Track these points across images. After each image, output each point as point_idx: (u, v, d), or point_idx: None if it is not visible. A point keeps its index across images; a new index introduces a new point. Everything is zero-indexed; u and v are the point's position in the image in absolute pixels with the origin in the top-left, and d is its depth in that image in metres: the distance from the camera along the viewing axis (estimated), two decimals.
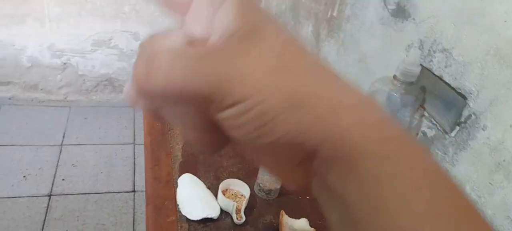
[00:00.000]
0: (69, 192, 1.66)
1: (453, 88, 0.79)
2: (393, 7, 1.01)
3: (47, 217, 1.53)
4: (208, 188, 0.71)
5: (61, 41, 2.05)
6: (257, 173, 0.73)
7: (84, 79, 2.19)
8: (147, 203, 0.69)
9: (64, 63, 2.12)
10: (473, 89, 0.74)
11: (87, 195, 1.67)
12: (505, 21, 0.66)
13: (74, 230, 1.50)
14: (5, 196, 1.58)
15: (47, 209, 1.56)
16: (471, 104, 0.74)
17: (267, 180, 0.71)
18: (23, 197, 1.60)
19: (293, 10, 1.76)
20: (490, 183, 0.69)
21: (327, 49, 1.41)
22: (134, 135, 2.07)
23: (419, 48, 0.89)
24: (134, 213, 1.62)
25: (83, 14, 1.99)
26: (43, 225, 1.50)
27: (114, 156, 1.90)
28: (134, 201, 1.67)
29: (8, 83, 2.10)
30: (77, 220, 1.55)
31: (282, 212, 0.66)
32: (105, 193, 1.70)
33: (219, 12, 0.21)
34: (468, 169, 0.75)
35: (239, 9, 0.21)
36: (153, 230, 0.64)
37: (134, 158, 1.91)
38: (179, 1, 0.22)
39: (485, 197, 0.70)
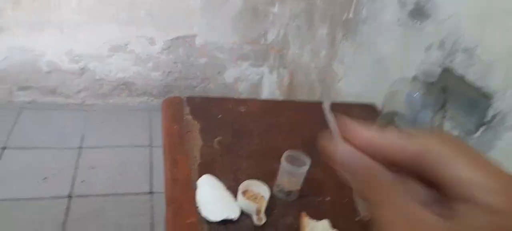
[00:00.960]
0: (88, 193, 1.69)
1: (476, 88, 0.77)
2: (411, 7, 1.00)
3: (67, 218, 1.55)
4: (228, 189, 0.71)
5: (79, 47, 2.09)
6: (276, 175, 0.72)
7: (101, 84, 2.23)
8: (167, 204, 0.69)
9: (82, 68, 2.16)
10: (499, 88, 0.72)
11: (105, 196, 1.69)
12: None
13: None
14: (27, 198, 1.61)
15: (67, 210, 1.59)
16: (496, 104, 0.72)
17: (286, 181, 0.71)
18: (44, 198, 1.63)
19: (307, 13, 1.75)
20: None
21: (342, 51, 1.40)
22: (151, 138, 2.09)
23: (440, 48, 0.88)
24: (152, 214, 1.63)
25: (100, 20, 2.02)
26: (64, 226, 1.52)
27: (131, 158, 1.92)
28: (151, 202, 1.69)
29: (28, 88, 2.15)
30: (96, 221, 1.57)
31: (303, 213, 0.65)
32: (123, 194, 1.71)
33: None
34: None
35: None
36: (173, 230, 0.64)
37: (151, 160, 1.93)
38: None
39: None
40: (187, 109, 0.92)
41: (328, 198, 0.75)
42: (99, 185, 1.73)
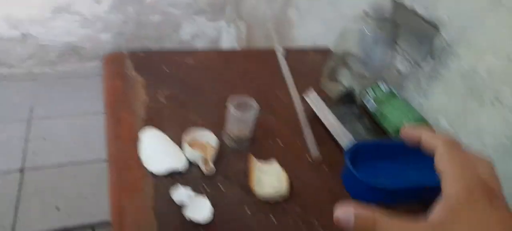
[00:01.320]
0: (42, 165, 1.61)
1: (425, 20, 0.76)
2: None
3: (21, 192, 1.48)
4: (174, 142, 0.67)
5: (18, 11, 1.92)
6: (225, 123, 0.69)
7: (47, 50, 2.08)
8: (110, 162, 0.65)
9: (24, 34, 1.99)
10: (446, 18, 0.71)
11: (62, 167, 1.62)
12: None
13: (51, 203, 1.46)
14: None
15: (20, 184, 1.51)
16: (444, 34, 0.71)
17: (235, 128, 0.68)
18: None
19: None
20: (463, 111, 0.68)
21: None
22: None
23: None
24: None
25: None
26: (18, 200, 1.45)
27: (85, 126, 1.84)
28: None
29: None
30: (53, 192, 1.50)
31: (252, 157, 0.63)
32: (79, 163, 1.65)
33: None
34: (441, 99, 0.73)
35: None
36: (117, 188, 0.60)
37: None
38: None
39: (459, 126, 0.69)
40: (130, 65, 0.86)
41: (281, 143, 0.73)
42: (53, 156, 1.65)
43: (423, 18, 0.76)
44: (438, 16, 0.72)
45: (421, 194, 0.51)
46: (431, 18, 0.74)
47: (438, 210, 0.33)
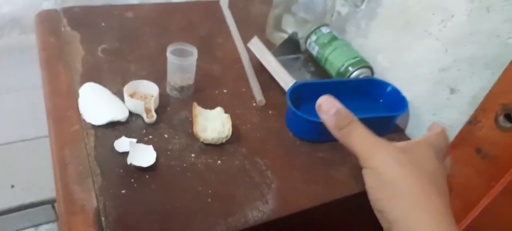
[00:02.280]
0: None
1: None
2: None
3: None
4: (115, 94, 0.65)
5: None
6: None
7: None
8: (48, 117, 0.63)
9: None
10: None
11: (13, 143, 1.55)
12: None
13: (5, 181, 1.40)
14: None
15: None
16: None
17: (177, 76, 0.67)
18: None
19: None
20: (398, 46, 0.71)
21: None
22: None
23: None
24: None
25: None
26: None
27: (33, 101, 1.75)
28: None
29: None
30: (6, 170, 1.44)
31: (195, 104, 0.63)
32: (31, 139, 1.58)
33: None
34: (379, 37, 0.75)
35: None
36: (57, 141, 0.58)
37: None
38: None
39: (397, 61, 0.72)
40: (65, 21, 0.82)
41: (225, 90, 0.73)
42: (3, 132, 1.57)
43: None
44: None
45: None
46: None
47: (405, 142, 0.46)
